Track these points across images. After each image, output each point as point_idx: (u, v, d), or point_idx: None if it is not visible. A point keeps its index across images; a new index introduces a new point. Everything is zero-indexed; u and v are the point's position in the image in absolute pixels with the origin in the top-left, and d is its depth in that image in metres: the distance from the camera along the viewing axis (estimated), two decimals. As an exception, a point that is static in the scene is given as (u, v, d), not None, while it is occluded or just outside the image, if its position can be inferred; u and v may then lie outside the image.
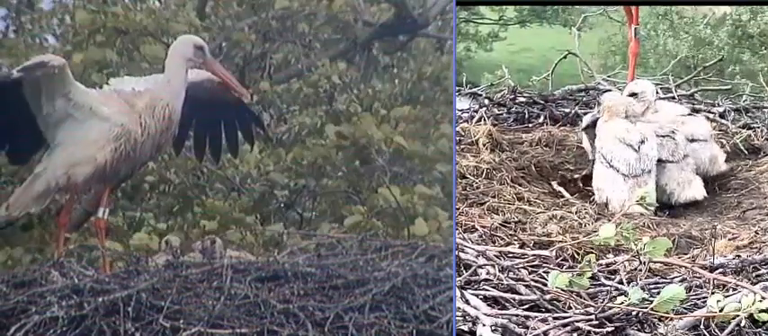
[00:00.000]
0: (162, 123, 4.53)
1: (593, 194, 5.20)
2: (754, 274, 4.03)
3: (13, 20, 7.18)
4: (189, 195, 6.16)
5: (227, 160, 6.05)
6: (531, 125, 6.33)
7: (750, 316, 3.49)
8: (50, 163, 4.54)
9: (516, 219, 4.69)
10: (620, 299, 3.59)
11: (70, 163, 4.51)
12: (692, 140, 5.37)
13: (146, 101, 4.52)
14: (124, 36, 6.43)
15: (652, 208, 4.85)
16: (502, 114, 6.35)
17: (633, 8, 6.15)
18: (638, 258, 3.94)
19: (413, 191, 5.93)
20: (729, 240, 4.49)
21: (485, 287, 3.85)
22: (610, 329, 3.53)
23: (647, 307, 3.53)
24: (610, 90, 6.19)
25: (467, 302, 3.71)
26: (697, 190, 5.24)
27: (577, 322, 3.55)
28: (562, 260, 4.12)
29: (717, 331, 3.53)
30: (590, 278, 3.79)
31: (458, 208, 4.74)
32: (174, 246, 4.75)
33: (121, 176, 4.79)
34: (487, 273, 3.93)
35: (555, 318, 3.60)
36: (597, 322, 3.54)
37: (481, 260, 4.01)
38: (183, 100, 4.56)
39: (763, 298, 3.50)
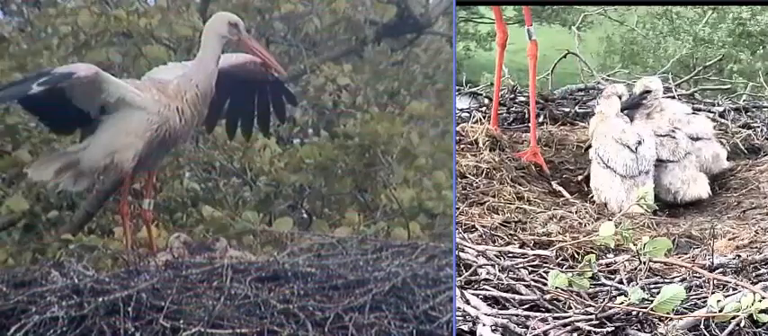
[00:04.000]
0: (193, 107, 4.56)
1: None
2: (754, 274, 4.03)
3: (20, 22, 7.17)
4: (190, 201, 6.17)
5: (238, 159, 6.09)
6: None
7: (750, 316, 3.49)
8: (90, 146, 4.56)
9: (516, 219, 4.69)
10: (620, 299, 3.60)
11: (110, 150, 4.53)
12: (697, 138, 5.37)
13: (177, 87, 4.55)
14: (128, 38, 6.43)
15: (651, 209, 4.85)
16: (502, 114, 6.34)
17: (525, 9, 6.09)
18: (638, 258, 3.94)
19: (413, 190, 5.93)
20: (729, 240, 4.49)
21: (485, 286, 3.86)
22: (610, 329, 3.53)
23: (647, 307, 3.53)
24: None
25: (467, 302, 3.72)
26: (702, 188, 5.24)
27: (577, 322, 3.56)
28: (562, 260, 4.13)
29: (717, 331, 3.53)
30: (590, 278, 3.79)
31: (458, 208, 4.74)
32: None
33: (160, 161, 4.89)
34: (487, 273, 3.94)
35: (555, 318, 3.61)
36: (597, 322, 3.55)
37: (481, 260, 4.01)
38: (214, 77, 4.56)
39: (763, 298, 3.50)
